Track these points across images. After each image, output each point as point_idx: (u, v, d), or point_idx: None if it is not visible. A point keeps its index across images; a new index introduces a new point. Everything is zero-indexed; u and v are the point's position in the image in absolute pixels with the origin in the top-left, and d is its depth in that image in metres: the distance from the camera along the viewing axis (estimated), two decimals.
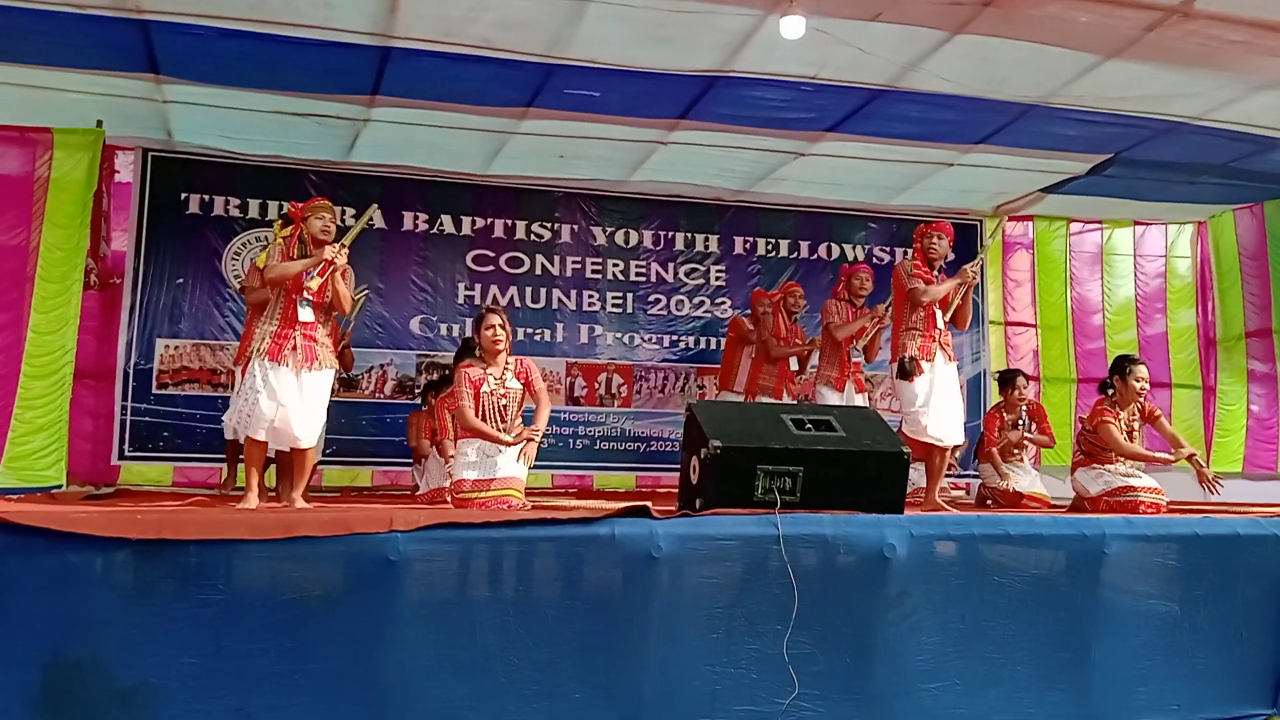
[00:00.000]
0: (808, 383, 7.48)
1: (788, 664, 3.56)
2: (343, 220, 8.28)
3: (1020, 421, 7.07)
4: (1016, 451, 7.06)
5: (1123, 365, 5.92)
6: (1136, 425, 5.92)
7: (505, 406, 5.10)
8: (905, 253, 6.83)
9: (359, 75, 6.60)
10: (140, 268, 7.90)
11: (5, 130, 7.08)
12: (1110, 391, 5.95)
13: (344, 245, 4.99)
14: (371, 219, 5.17)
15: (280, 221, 5.70)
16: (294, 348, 4.86)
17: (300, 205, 5.14)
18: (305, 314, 4.91)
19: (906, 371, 5.71)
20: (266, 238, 7.74)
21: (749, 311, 8.08)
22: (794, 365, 7.46)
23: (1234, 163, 8.07)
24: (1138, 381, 5.81)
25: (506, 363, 5.17)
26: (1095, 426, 5.87)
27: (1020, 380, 7.11)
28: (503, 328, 5.13)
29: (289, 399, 4.79)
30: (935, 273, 5.88)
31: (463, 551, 3.49)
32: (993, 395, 9.48)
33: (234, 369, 6.52)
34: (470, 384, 5.08)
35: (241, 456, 5.29)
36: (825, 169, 8.38)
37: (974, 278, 5.89)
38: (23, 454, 6.80)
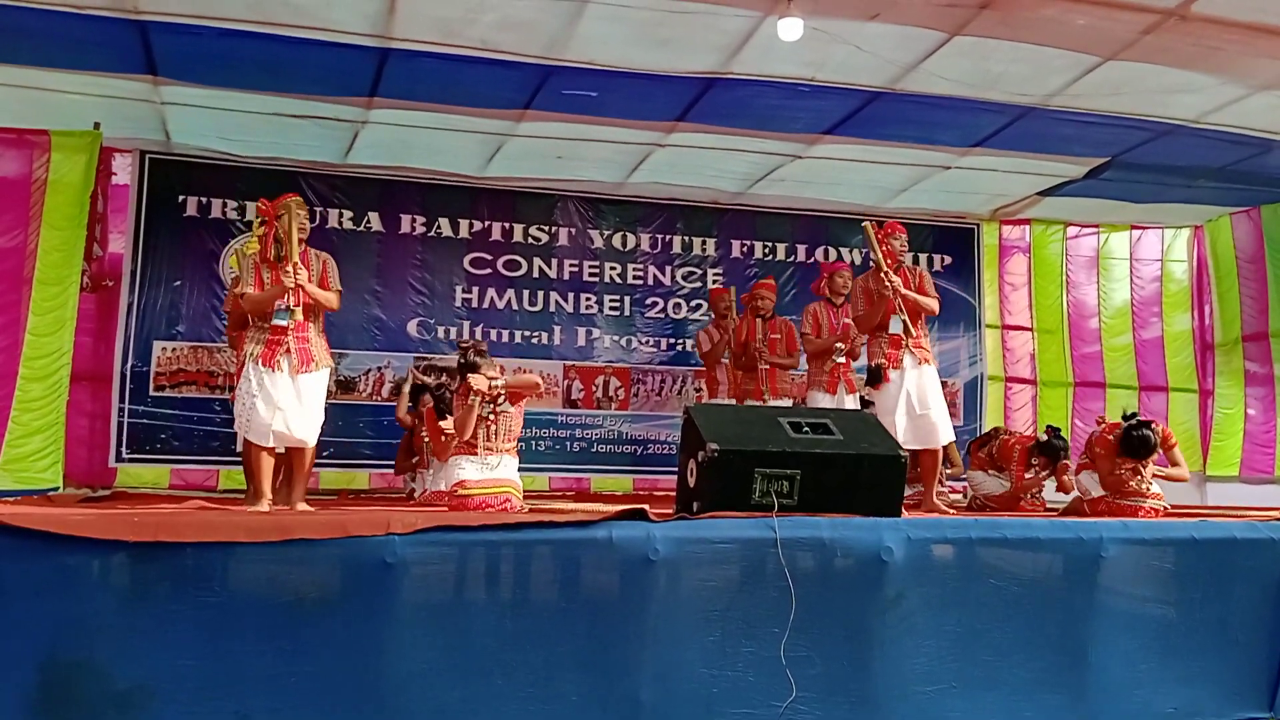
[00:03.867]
0: (800, 385, 7.45)
1: (785, 667, 3.56)
2: (339, 223, 8.35)
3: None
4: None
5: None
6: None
7: (496, 430, 5.13)
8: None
9: (357, 76, 6.61)
10: (138, 270, 7.90)
11: (2, 132, 7.08)
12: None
13: (295, 264, 4.94)
14: (300, 216, 5.05)
15: (257, 221, 5.65)
16: (288, 351, 4.86)
17: (271, 204, 5.12)
18: (282, 320, 4.91)
19: (875, 379, 5.75)
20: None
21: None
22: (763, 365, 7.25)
23: (1231, 166, 8.09)
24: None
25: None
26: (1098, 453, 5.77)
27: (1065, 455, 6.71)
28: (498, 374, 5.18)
29: (286, 403, 4.80)
30: (897, 271, 5.89)
31: (460, 554, 3.48)
32: (990, 399, 9.52)
33: (232, 374, 6.49)
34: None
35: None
36: (823, 171, 8.40)
37: (895, 287, 5.78)
38: (19, 456, 6.80)
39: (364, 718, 3.27)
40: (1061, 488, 6.37)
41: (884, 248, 5.91)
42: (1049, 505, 6.78)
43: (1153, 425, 5.49)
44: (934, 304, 5.99)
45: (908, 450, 5.75)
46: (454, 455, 5.21)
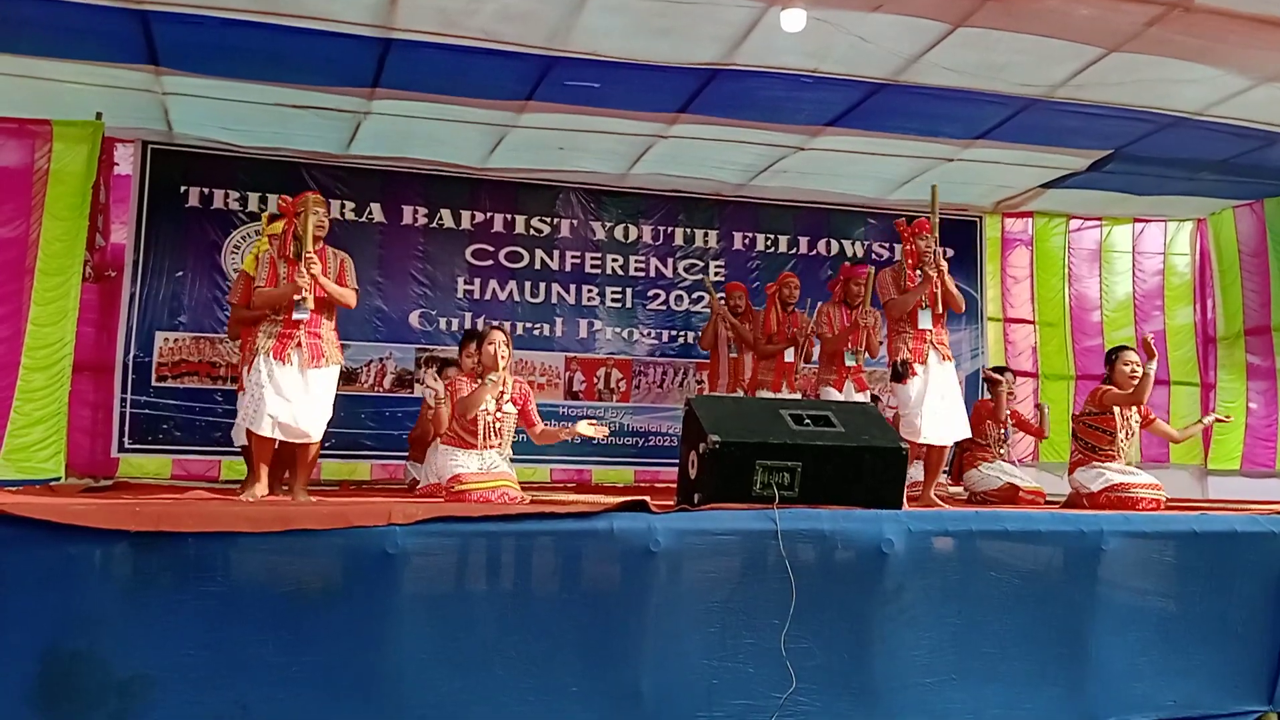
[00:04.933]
0: (809, 379, 7.48)
1: (785, 659, 3.56)
2: (340, 214, 8.34)
3: (1005, 428, 7.11)
4: (1003, 450, 7.06)
5: (1112, 353, 6.01)
6: (1135, 427, 5.92)
7: (499, 428, 5.15)
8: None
9: (359, 67, 6.60)
10: (140, 260, 7.90)
11: (4, 122, 7.07)
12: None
13: (310, 258, 4.92)
14: (319, 214, 5.04)
15: (267, 217, 5.62)
16: (299, 344, 4.86)
17: (291, 200, 5.12)
18: (302, 314, 4.91)
19: (899, 374, 5.73)
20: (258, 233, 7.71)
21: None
22: (789, 357, 7.43)
23: (1234, 159, 8.07)
24: (1126, 365, 5.82)
25: (504, 384, 5.18)
26: (1100, 398, 5.88)
27: (1008, 376, 7.12)
28: (506, 345, 5.15)
29: (295, 395, 4.80)
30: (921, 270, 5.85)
31: (461, 545, 3.49)
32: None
33: (239, 367, 6.48)
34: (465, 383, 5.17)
35: None
36: (825, 163, 8.38)
37: (939, 272, 5.74)
38: (22, 446, 6.80)
39: (365, 707, 3.28)
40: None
41: (908, 247, 5.87)
42: (1048, 499, 6.79)
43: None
44: (962, 301, 6.01)
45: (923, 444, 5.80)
46: (447, 445, 5.22)
